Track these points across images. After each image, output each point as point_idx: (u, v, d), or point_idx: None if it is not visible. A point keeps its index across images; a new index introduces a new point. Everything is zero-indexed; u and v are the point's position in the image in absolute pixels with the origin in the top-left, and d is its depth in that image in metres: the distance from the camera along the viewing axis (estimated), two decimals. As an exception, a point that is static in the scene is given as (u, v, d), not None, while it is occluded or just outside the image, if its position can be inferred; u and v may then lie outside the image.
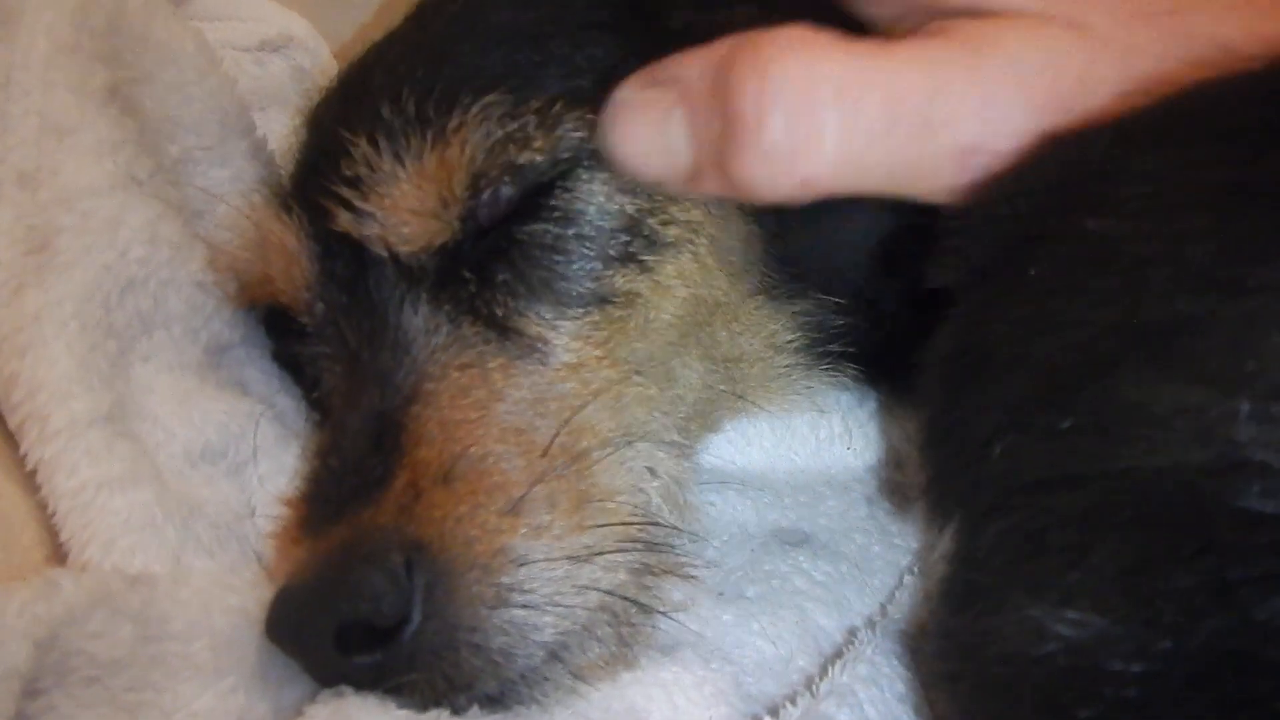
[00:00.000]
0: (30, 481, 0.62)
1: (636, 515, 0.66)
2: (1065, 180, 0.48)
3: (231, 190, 0.78)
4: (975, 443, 0.49)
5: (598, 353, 0.69)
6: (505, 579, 0.60)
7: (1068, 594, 0.43)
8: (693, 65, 0.53)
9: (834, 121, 0.48)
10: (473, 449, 0.63)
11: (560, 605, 0.61)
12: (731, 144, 0.50)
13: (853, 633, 0.69)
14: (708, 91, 0.51)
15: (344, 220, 0.69)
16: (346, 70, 0.79)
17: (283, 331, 0.77)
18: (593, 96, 0.65)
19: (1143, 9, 0.50)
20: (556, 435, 0.65)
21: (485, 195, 0.68)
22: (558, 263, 0.69)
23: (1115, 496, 0.42)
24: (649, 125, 0.55)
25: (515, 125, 0.67)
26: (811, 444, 0.83)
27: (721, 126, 0.50)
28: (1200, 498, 0.38)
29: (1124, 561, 0.41)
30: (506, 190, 0.68)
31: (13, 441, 0.64)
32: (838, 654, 0.67)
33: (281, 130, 0.84)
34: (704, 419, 0.77)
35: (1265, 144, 0.41)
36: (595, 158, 0.68)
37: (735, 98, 0.49)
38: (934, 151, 0.50)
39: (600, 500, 0.65)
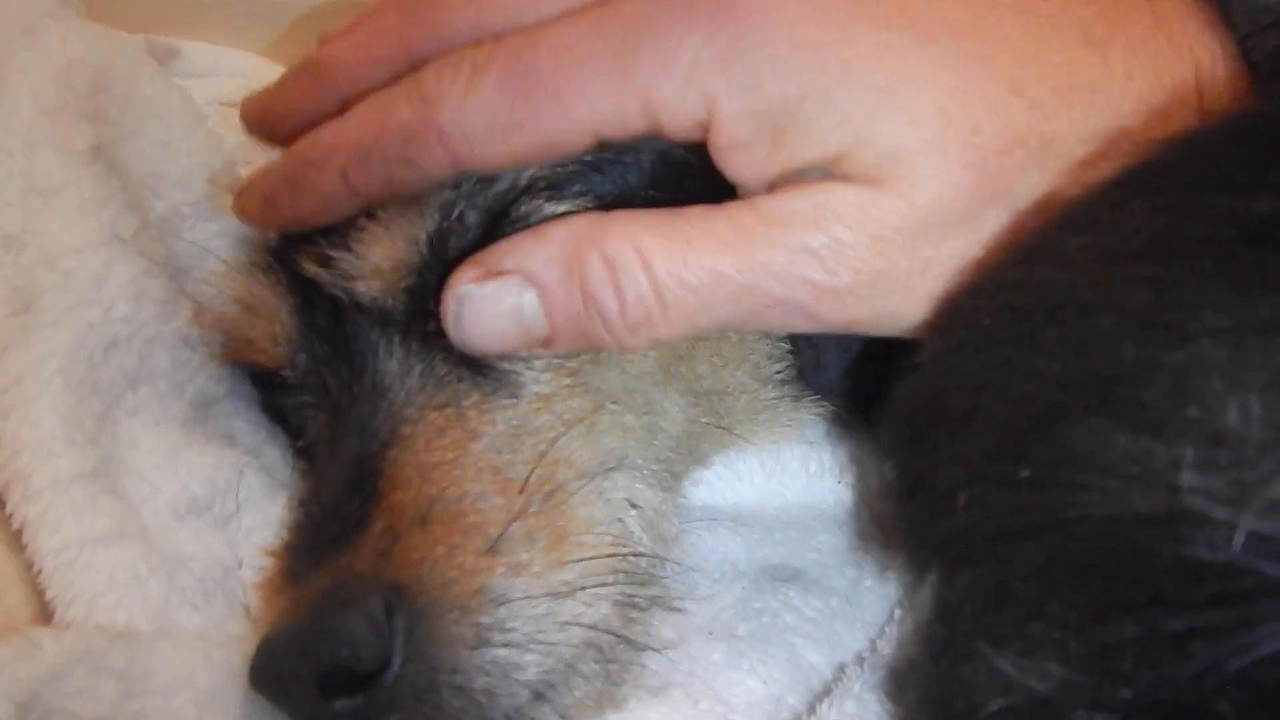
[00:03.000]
0: (16, 541, 0.63)
1: (617, 547, 0.66)
2: (1019, 239, 0.49)
3: (219, 245, 0.80)
4: (940, 495, 0.49)
5: (568, 382, 0.69)
6: (485, 619, 0.60)
7: (1032, 644, 0.43)
8: (534, 256, 0.61)
9: (675, 301, 0.58)
10: (449, 490, 0.64)
11: (543, 643, 0.61)
12: (595, 322, 0.59)
13: (842, 669, 0.68)
14: (560, 280, 0.60)
15: (311, 267, 0.70)
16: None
17: (268, 383, 0.78)
18: None
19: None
20: (532, 471, 0.66)
21: (451, 222, 0.69)
22: None
23: (1070, 546, 0.42)
24: (501, 315, 0.62)
25: None
26: (802, 479, 0.82)
27: (582, 308, 0.59)
28: (1146, 548, 0.38)
29: (1081, 612, 0.41)
30: (471, 216, 0.69)
31: (-1, 502, 0.65)
32: (827, 691, 0.67)
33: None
34: (689, 452, 0.77)
35: (1196, 194, 0.41)
36: (558, 184, 0.69)
37: (594, 289, 0.58)
38: (753, 307, 0.58)
39: (579, 534, 0.65)
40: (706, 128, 0.58)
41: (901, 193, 0.55)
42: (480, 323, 0.62)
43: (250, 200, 0.71)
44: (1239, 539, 0.35)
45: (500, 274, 0.61)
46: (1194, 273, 0.39)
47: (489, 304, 0.62)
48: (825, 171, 0.57)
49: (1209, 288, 0.38)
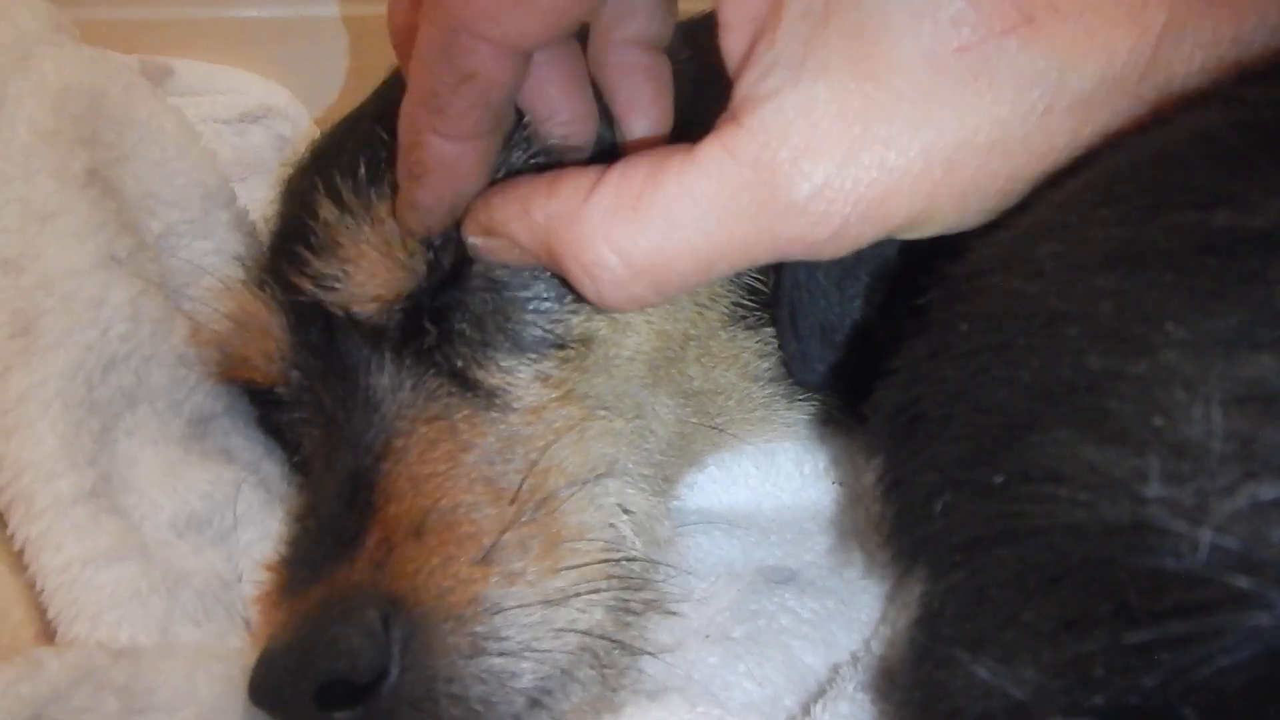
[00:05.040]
0: (18, 561, 0.64)
1: (610, 553, 0.67)
2: (998, 239, 0.49)
3: (215, 261, 0.81)
4: (918, 500, 0.49)
5: (557, 393, 0.70)
6: (480, 628, 0.61)
7: (1008, 650, 0.44)
8: (520, 229, 0.61)
9: (660, 281, 0.55)
10: (442, 501, 0.65)
11: (538, 650, 0.62)
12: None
13: (837, 670, 0.69)
14: (546, 259, 0.59)
15: (309, 287, 0.71)
16: (317, 143, 0.81)
17: (265, 400, 0.79)
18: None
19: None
20: (524, 480, 0.66)
21: (440, 239, 0.69)
22: (512, 305, 0.70)
23: (1041, 555, 0.42)
24: (504, 256, 0.65)
25: None
26: (797, 480, 0.83)
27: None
28: (1113, 558, 0.38)
29: (1053, 620, 0.42)
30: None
31: (1, 522, 0.66)
32: (821, 692, 0.67)
33: (263, 199, 0.87)
34: (682, 454, 0.78)
35: (1158, 206, 0.41)
36: None
37: (575, 284, 0.58)
38: (750, 263, 0.55)
39: (571, 541, 0.66)
40: None
41: (883, 83, 0.50)
42: (493, 257, 0.66)
43: (402, 213, 0.69)
44: (1202, 550, 0.36)
45: (495, 234, 0.63)
46: (1156, 285, 0.39)
47: (493, 253, 0.65)
48: (809, 31, 0.51)
49: (1170, 300, 0.39)
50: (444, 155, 0.63)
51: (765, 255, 0.54)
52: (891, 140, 0.50)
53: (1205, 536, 0.35)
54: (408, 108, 0.63)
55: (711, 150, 0.53)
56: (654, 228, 0.54)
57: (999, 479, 0.44)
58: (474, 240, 0.65)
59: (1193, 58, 0.48)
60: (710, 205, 0.53)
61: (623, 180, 0.55)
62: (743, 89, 0.53)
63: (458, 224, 0.67)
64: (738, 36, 0.54)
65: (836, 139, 0.50)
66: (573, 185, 0.57)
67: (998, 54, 0.48)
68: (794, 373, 0.76)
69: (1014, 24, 0.48)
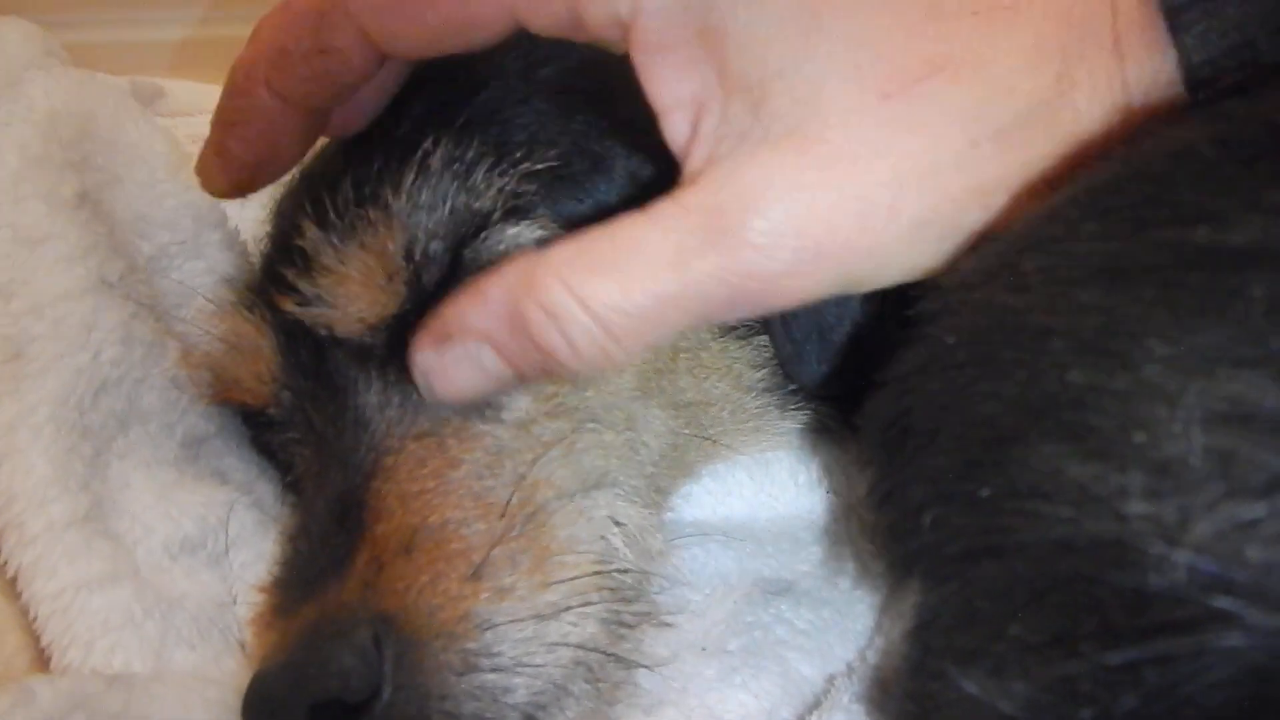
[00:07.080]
0: (12, 588, 0.64)
1: (601, 565, 0.67)
2: (985, 251, 0.50)
3: (206, 283, 0.81)
4: (909, 512, 0.50)
5: (546, 406, 0.70)
6: (472, 644, 0.60)
7: (998, 664, 0.44)
8: (479, 317, 0.60)
9: (621, 329, 0.56)
10: (432, 518, 0.64)
11: (531, 666, 0.61)
12: (553, 363, 0.58)
13: (832, 680, 0.69)
14: (509, 335, 0.59)
15: (294, 308, 0.71)
16: (307, 164, 0.81)
17: (257, 421, 0.79)
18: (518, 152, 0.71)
19: None
20: (513, 493, 0.66)
21: (421, 256, 0.70)
22: None
23: (1028, 569, 0.42)
24: (464, 375, 0.62)
25: (443, 187, 0.70)
26: (791, 490, 0.83)
27: (538, 354, 0.58)
28: (1095, 575, 0.39)
29: (1040, 635, 0.42)
30: (438, 246, 0.70)
31: (-5, 549, 0.66)
32: (817, 703, 0.67)
33: (255, 219, 0.87)
34: (675, 465, 0.78)
35: (1141, 221, 0.41)
36: (519, 210, 0.70)
37: (541, 339, 0.57)
38: (704, 313, 0.56)
39: (561, 554, 0.65)
40: (628, 29, 0.56)
41: (822, 138, 0.53)
42: (450, 383, 0.62)
43: (204, 163, 0.69)
44: (1182, 569, 0.36)
45: (451, 339, 0.61)
46: (1139, 301, 0.40)
47: (450, 367, 0.62)
48: (750, 106, 0.54)
49: (1153, 316, 0.39)
50: (268, 110, 0.64)
51: (722, 298, 0.55)
52: (833, 184, 0.53)
53: (1185, 556, 0.35)
54: (247, 56, 0.64)
55: (661, 204, 0.55)
56: (608, 275, 0.55)
57: (985, 493, 0.44)
58: (426, 356, 0.63)
59: (1091, 100, 0.53)
60: (660, 249, 0.55)
61: (576, 237, 0.56)
62: (693, 163, 0.56)
63: (440, 240, 0.68)
64: (679, 119, 0.57)
65: (780, 184, 0.53)
66: (521, 258, 0.58)
67: (921, 97, 0.53)
68: (790, 374, 0.76)
69: (928, 73, 0.53)
